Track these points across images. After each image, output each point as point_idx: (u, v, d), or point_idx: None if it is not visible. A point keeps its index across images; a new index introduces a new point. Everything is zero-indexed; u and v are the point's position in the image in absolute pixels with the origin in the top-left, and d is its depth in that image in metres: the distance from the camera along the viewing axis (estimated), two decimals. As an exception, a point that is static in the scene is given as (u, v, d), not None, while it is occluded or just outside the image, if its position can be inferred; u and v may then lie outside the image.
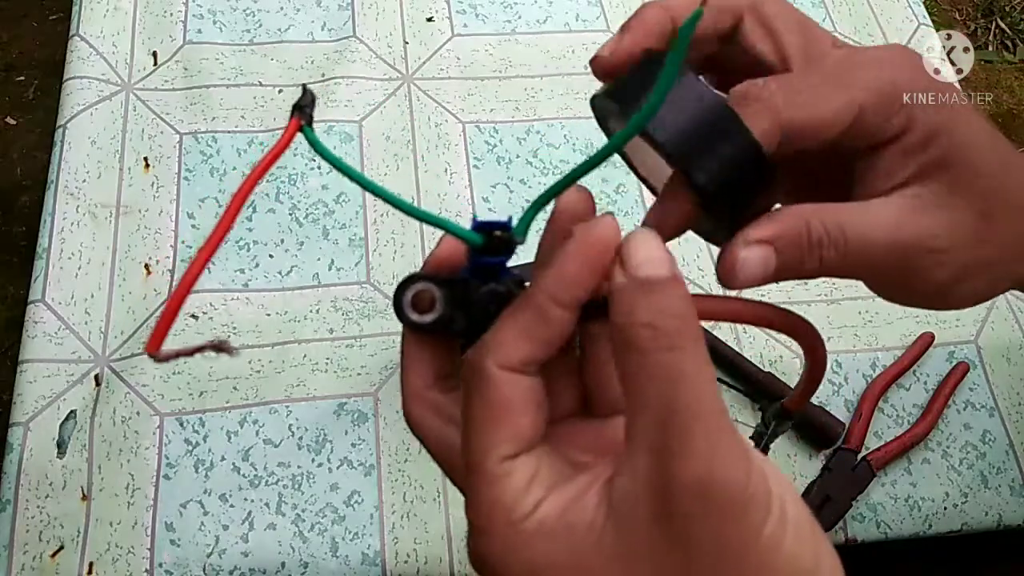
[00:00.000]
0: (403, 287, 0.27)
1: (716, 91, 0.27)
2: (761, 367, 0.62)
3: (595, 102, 0.31)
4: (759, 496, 0.21)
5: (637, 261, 0.23)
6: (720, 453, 0.21)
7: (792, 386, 0.61)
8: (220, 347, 0.23)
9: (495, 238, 0.26)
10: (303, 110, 0.27)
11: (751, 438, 0.43)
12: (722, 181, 0.26)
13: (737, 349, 0.63)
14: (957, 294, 0.30)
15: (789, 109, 0.27)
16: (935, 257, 0.28)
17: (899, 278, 0.29)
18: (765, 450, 0.43)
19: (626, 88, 0.29)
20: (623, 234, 0.24)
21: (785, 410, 0.38)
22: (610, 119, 0.31)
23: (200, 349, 0.23)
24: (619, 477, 0.22)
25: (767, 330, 0.64)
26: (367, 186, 0.28)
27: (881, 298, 0.31)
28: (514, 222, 0.26)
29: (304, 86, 0.27)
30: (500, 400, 0.23)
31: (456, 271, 0.28)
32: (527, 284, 0.26)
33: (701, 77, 0.29)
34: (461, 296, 0.27)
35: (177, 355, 0.23)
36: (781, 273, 0.28)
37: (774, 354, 0.64)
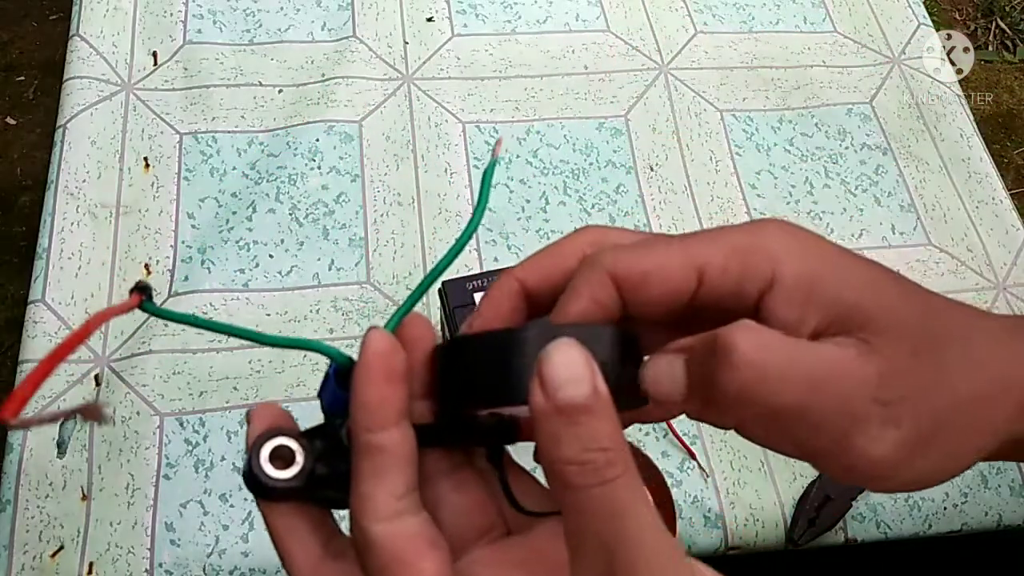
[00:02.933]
0: (258, 445, 0.24)
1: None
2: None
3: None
4: None
5: (556, 381, 0.21)
6: None
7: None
8: (89, 413, 0.22)
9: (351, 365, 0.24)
10: (144, 291, 0.26)
11: None
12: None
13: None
14: (914, 465, 0.25)
15: (613, 264, 0.25)
16: (883, 404, 0.24)
17: (841, 434, 0.24)
18: None
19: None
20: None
21: None
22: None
23: (68, 415, 0.22)
24: None
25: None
26: (231, 332, 0.26)
27: (824, 473, 0.27)
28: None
29: (140, 282, 0.26)
30: (395, 559, 0.22)
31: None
32: None
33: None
34: (326, 443, 0.25)
35: (39, 422, 0.22)
36: (695, 388, 0.25)
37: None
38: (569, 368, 0.21)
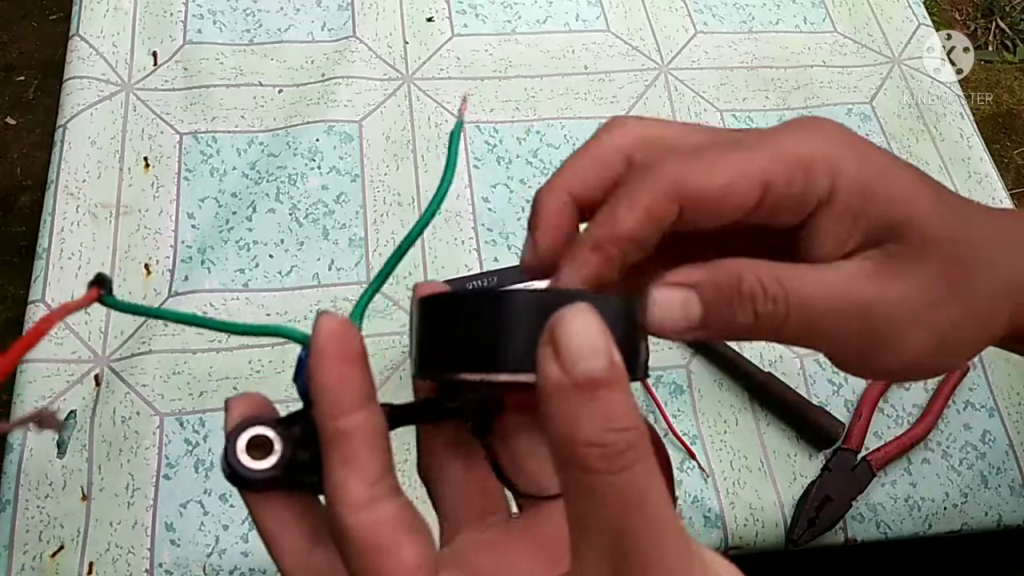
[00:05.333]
0: (234, 435, 0.23)
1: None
2: (761, 367, 0.62)
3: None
4: None
5: (573, 352, 0.19)
6: (680, 571, 0.20)
7: (792, 387, 0.61)
8: (44, 421, 0.22)
9: None
10: (103, 284, 0.25)
11: None
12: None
13: (737, 349, 0.63)
14: (935, 363, 0.27)
15: (682, 178, 0.24)
16: (905, 322, 0.25)
17: (865, 348, 0.26)
18: None
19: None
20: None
21: None
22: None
23: (22, 422, 0.22)
24: None
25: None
26: (191, 322, 0.26)
27: (849, 374, 0.29)
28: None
29: (99, 274, 0.25)
30: (373, 547, 0.21)
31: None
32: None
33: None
34: (304, 428, 0.23)
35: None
36: (710, 324, 0.25)
37: (774, 354, 0.64)
38: (588, 337, 0.19)
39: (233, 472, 0.23)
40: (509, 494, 0.27)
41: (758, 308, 0.24)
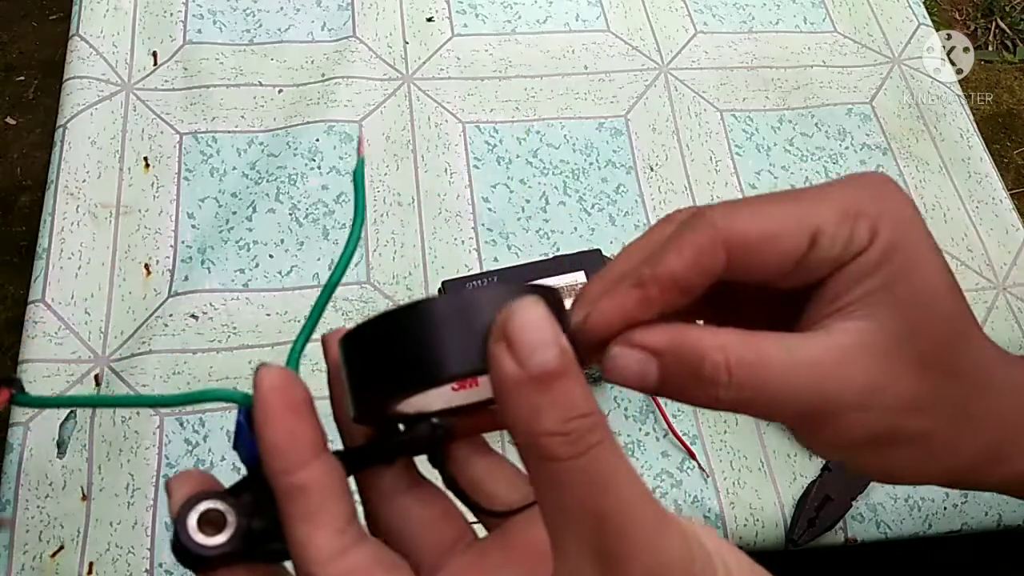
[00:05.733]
0: (184, 512, 0.22)
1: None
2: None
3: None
4: (707, 566, 0.20)
5: (528, 345, 0.19)
6: (661, 542, 0.20)
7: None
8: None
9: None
10: (13, 383, 0.24)
11: None
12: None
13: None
14: (876, 462, 0.26)
15: (730, 222, 0.23)
16: (856, 414, 0.24)
17: (814, 428, 0.25)
18: None
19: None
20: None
21: None
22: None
23: None
24: None
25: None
26: (135, 403, 0.24)
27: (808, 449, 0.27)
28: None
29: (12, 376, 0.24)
30: None
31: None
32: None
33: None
34: (256, 494, 0.22)
35: None
36: (666, 392, 0.24)
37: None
38: (538, 330, 0.19)
39: (187, 552, 0.22)
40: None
41: (719, 394, 0.23)
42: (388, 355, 0.21)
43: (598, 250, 0.61)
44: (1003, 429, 0.26)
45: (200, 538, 0.22)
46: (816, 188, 0.25)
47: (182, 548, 0.22)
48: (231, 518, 0.22)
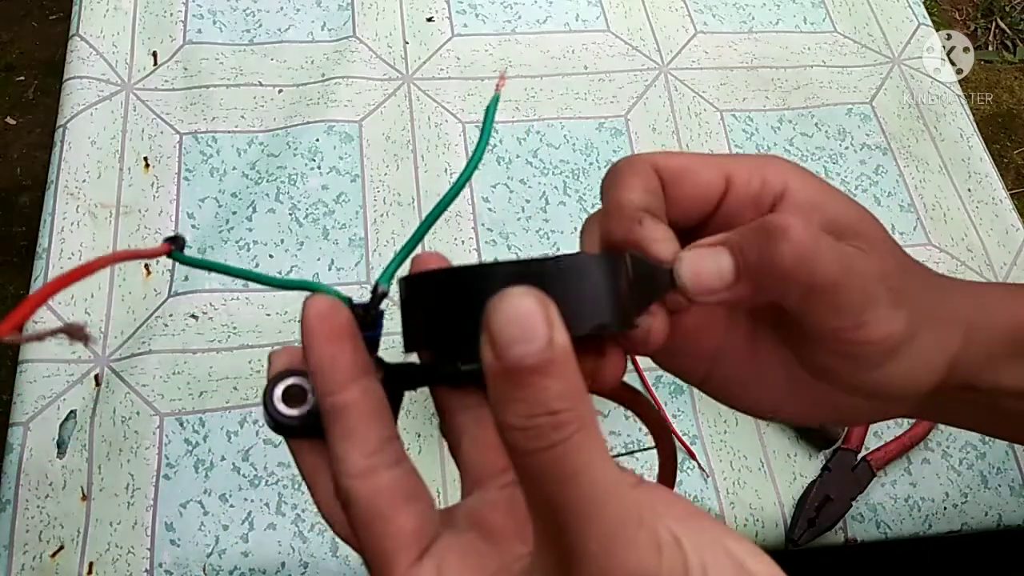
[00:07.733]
0: (272, 384, 0.25)
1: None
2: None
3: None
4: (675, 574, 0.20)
5: (504, 338, 0.19)
6: (621, 546, 0.19)
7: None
8: (72, 333, 0.22)
9: (364, 306, 0.25)
10: (176, 241, 0.27)
11: None
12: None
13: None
14: (902, 354, 0.28)
15: (657, 159, 0.28)
16: (893, 295, 0.27)
17: (852, 313, 0.27)
18: None
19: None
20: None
21: None
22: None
23: (53, 333, 0.22)
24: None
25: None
26: (241, 275, 0.28)
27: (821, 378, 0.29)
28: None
29: (177, 235, 0.27)
30: (373, 514, 0.23)
31: None
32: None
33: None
34: None
35: (28, 339, 0.22)
36: (743, 273, 0.26)
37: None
38: (518, 322, 0.19)
39: (271, 418, 0.25)
40: None
41: (792, 234, 0.25)
42: (433, 315, 0.24)
43: (598, 250, 0.61)
44: (972, 331, 0.29)
45: (281, 407, 0.25)
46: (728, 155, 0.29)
47: (267, 413, 0.25)
48: (311, 396, 0.25)
